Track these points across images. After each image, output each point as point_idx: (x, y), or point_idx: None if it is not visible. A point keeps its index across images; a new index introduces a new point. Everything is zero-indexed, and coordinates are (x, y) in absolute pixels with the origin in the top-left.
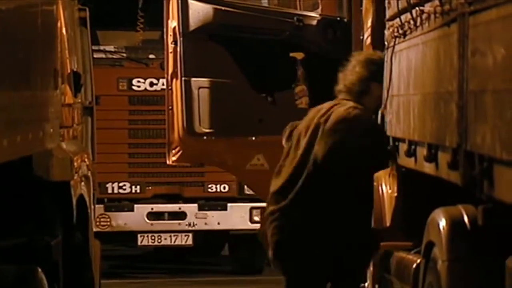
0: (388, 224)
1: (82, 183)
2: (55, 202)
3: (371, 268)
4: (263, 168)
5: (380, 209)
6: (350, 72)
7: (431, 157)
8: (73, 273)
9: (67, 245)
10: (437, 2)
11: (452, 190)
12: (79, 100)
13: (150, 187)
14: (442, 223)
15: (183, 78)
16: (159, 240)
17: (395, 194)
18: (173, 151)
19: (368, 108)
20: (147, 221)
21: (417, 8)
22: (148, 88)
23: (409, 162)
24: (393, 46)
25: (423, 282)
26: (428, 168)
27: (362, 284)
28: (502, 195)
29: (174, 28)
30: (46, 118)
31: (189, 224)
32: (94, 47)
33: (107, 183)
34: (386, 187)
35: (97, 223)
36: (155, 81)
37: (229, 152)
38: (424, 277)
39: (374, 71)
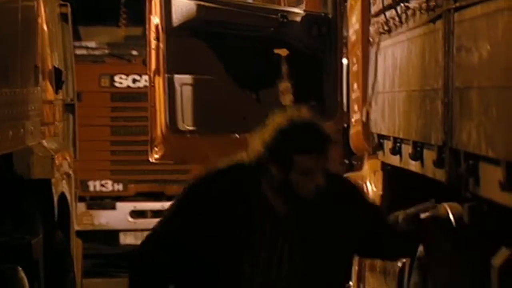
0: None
1: (64, 181)
2: (36, 200)
3: (356, 267)
4: None
5: None
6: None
7: (417, 155)
8: (54, 272)
9: (48, 243)
10: None
11: (437, 188)
12: (61, 97)
13: (132, 185)
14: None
15: (165, 75)
16: (142, 239)
17: (380, 192)
18: (156, 149)
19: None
20: (130, 219)
21: (402, 4)
22: (131, 84)
23: (394, 160)
24: (378, 43)
25: (408, 280)
26: (413, 166)
27: (347, 284)
28: (488, 193)
29: (157, 24)
30: (27, 116)
31: None
32: (75, 43)
33: (89, 181)
34: (371, 185)
35: (79, 222)
36: (137, 77)
37: (212, 150)
38: (409, 275)
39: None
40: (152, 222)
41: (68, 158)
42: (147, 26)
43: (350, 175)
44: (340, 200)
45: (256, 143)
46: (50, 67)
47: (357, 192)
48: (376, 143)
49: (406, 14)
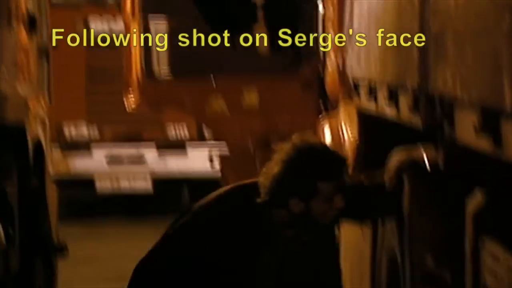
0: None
1: (38, 127)
2: (11, 146)
3: None
4: (223, 111)
5: (340, 151)
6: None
7: (392, 100)
8: (30, 218)
9: (23, 190)
10: None
11: (413, 133)
12: (35, 42)
13: (108, 131)
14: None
15: (140, 19)
16: (118, 185)
17: (356, 139)
18: (131, 98)
19: None
20: (106, 165)
21: None
22: (106, 29)
23: (369, 105)
24: None
25: (383, 224)
26: (388, 110)
27: None
28: (463, 138)
29: None
30: (0, 60)
31: (148, 168)
32: None
33: (64, 126)
34: (346, 131)
35: (54, 168)
36: (113, 22)
37: (188, 95)
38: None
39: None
40: (128, 167)
41: (42, 103)
42: None
43: (325, 121)
44: None
45: (265, 179)
46: (24, 11)
47: None
48: (351, 88)
49: None
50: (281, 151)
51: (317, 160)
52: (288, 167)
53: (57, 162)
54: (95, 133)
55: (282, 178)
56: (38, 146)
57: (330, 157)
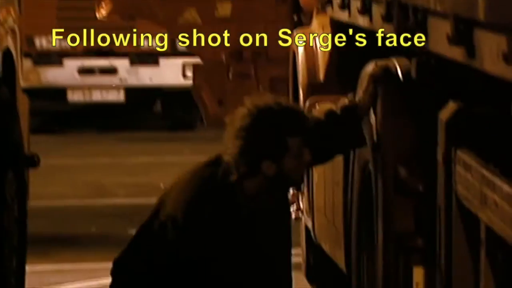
0: (321, 78)
1: (8, 36)
2: None
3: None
4: (195, 22)
5: (314, 64)
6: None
7: (365, 9)
8: (0, 129)
9: None
10: None
11: (386, 43)
12: None
13: (80, 42)
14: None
15: None
16: (90, 96)
17: (329, 48)
18: (103, 4)
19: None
20: (77, 76)
21: None
22: None
23: (342, 15)
24: None
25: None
26: (361, 20)
27: None
28: (436, 47)
29: None
30: None
31: (121, 80)
32: None
33: (35, 37)
34: (320, 41)
35: (25, 78)
36: None
37: (160, 5)
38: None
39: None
40: (100, 79)
41: (12, 12)
42: None
43: (299, 32)
44: None
45: (232, 156)
46: None
47: None
48: (325, 0)
49: None
50: (237, 121)
51: (280, 117)
52: (255, 132)
53: (28, 73)
54: (66, 45)
55: (251, 145)
56: (7, 55)
57: (290, 111)
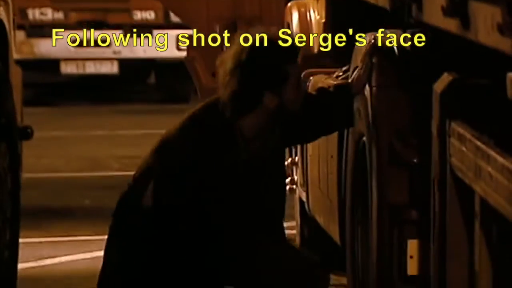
0: (315, 50)
1: (1, 8)
2: None
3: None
4: None
5: (308, 35)
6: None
7: None
8: None
9: None
10: None
11: (380, 15)
12: None
13: (73, 14)
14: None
15: None
16: (83, 68)
17: (323, 20)
18: None
19: None
20: (71, 48)
21: None
22: None
23: None
24: None
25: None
26: None
27: None
28: (431, 19)
29: None
30: None
31: (114, 52)
32: None
33: (28, 8)
34: (314, 12)
35: (18, 50)
36: None
37: None
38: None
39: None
40: (93, 51)
41: None
42: None
43: (293, 5)
44: None
45: (228, 83)
46: None
47: None
48: None
49: None
50: (230, 60)
51: (276, 46)
52: (254, 65)
53: (21, 45)
54: (60, 17)
55: (252, 78)
56: (0, 26)
57: (284, 40)
